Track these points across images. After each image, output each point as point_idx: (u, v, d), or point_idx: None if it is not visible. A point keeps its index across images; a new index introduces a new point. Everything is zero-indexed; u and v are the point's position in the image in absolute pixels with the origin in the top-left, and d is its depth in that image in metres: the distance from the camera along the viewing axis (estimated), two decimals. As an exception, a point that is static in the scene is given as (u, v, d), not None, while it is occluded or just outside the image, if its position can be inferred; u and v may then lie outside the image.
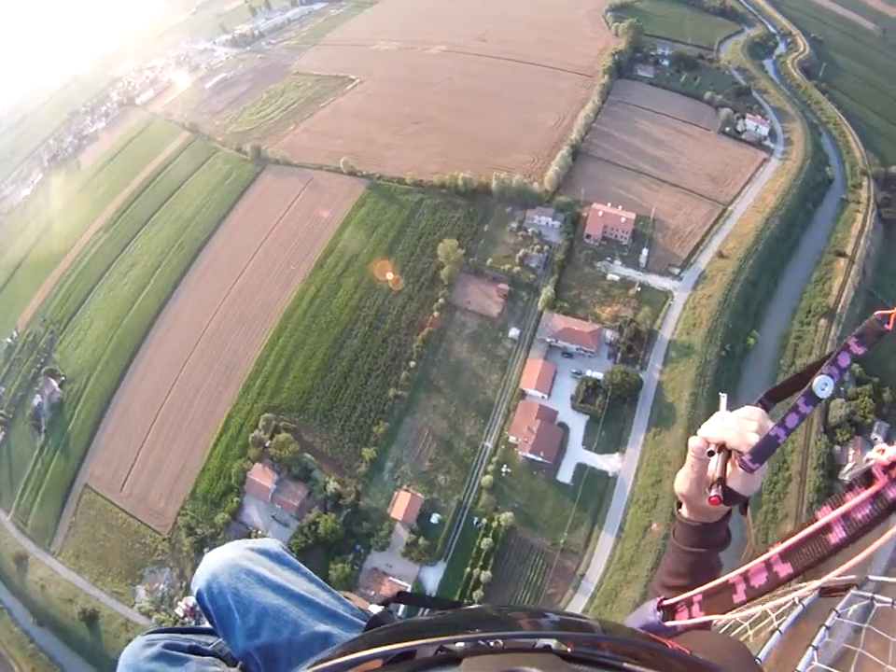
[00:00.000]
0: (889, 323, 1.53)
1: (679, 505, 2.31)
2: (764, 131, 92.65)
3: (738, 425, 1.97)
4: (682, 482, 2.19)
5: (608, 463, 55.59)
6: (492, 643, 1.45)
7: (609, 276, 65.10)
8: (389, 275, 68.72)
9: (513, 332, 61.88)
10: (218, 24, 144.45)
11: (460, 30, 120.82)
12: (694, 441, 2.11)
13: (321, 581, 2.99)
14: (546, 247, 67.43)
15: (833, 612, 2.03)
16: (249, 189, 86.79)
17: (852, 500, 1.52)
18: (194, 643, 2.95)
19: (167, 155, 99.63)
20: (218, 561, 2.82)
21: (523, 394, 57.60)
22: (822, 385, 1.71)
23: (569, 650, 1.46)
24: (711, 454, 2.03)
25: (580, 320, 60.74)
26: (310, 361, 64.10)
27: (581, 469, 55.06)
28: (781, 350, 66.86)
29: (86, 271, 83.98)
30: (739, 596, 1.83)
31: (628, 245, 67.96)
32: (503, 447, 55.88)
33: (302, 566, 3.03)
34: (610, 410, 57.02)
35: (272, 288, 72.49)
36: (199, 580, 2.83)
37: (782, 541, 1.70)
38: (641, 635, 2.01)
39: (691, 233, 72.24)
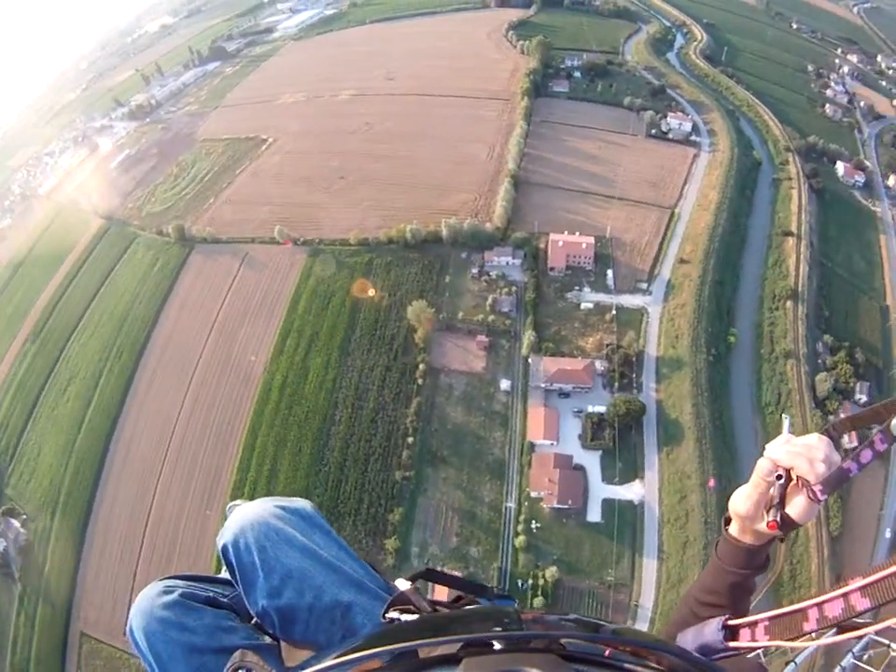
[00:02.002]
0: None
1: (727, 522, 2.44)
2: (688, 126, 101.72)
3: (808, 452, 2.06)
4: (742, 501, 2.28)
5: (631, 492, 59.69)
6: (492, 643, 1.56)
7: (583, 305, 69.81)
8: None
9: (504, 384, 64.72)
10: (112, 98, 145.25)
11: (365, 71, 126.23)
12: (763, 463, 2.18)
13: (350, 549, 3.15)
14: (513, 288, 71.35)
15: (850, 654, 2.30)
16: (181, 275, 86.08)
17: None
18: (211, 594, 3.09)
19: (83, 247, 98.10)
20: (248, 516, 2.95)
21: (532, 446, 60.46)
22: None
23: (570, 650, 1.59)
24: (780, 478, 2.11)
25: (569, 358, 64.90)
26: (298, 458, 64.32)
27: (607, 504, 58.76)
28: (759, 340, 73.64)
29: (20, 391, 79.60)
30: (811, 624, 1.92)
31: (592, 269, 72.66)
32: (527, 504, 58.67)
33: (333, 531, 3.20)
34: (620, 440, 60.57)
35: (233, 385, 71.40)
36: (226, 533, 2.94)
37: (864, 577, 1.82)
38: (642, 634, 2.34)
39: (648, 245, 78.36)
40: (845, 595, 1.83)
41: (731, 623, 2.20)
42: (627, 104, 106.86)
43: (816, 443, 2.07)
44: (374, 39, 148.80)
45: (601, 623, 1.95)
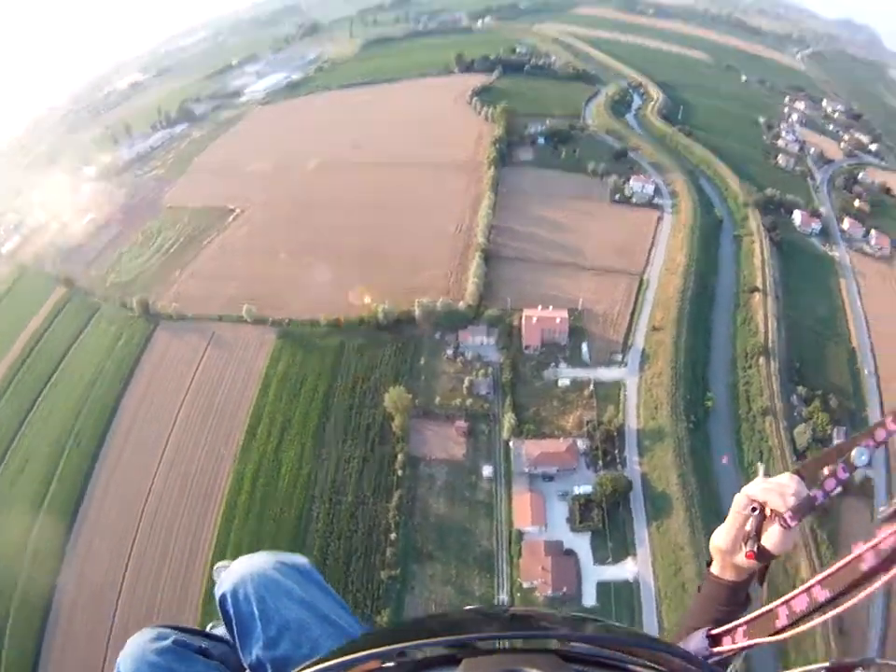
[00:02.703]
0: None
1: (708, 564, 2.69)
2: (651, 189, 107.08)
3: (779, 488, 2.37)
4: (722, 536, 2.56)
5: (625, 571, 60.29)
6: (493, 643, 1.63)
7: (561, 382, 71.70)
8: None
9: (487, 471, 65.43)
10: (79, 156, 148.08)
11: (332, 140, 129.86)
12: (739, 498, 2.48)
13: (346, 605, 3.28)
14: (490, 369, 72.91)
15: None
16: (145, 353, 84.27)
17: (881, 534, 2.05)
18: (203, 645, 3.17)
19: (44, 316, 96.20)
20: (248, 568, 3.07)
21: (520, 534, 61.06)
22: (860, 454, 2.17)
23: (570, 650, 1.68)
24: (754, 510, 2.40)
25: (551, 440, 66.31)
26: (275, 559, 62.65)
27: (602, 587, 59.28)
28: (735, 401, 76.26)
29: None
30: (781, 621, 2.23)
31: (567, 344, 75.11)
32: (519, 595, 59.03)
33: (329, 587, 3.31)
34: (609, 518, 61.89)
35: (201, 478, 68.61)
36: (225, 583, 3.06)
37: (822, 572, 2.15)
38: (642, 634, 2.47)
39: (619, 314, 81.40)
40: (808, 590, 2.18)
41: (713, 632, 2.51)
42: (591, 169, 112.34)
43: (787, 481, 2.39)
44: (340, 106, 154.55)
45: (595, 622, 2.19)
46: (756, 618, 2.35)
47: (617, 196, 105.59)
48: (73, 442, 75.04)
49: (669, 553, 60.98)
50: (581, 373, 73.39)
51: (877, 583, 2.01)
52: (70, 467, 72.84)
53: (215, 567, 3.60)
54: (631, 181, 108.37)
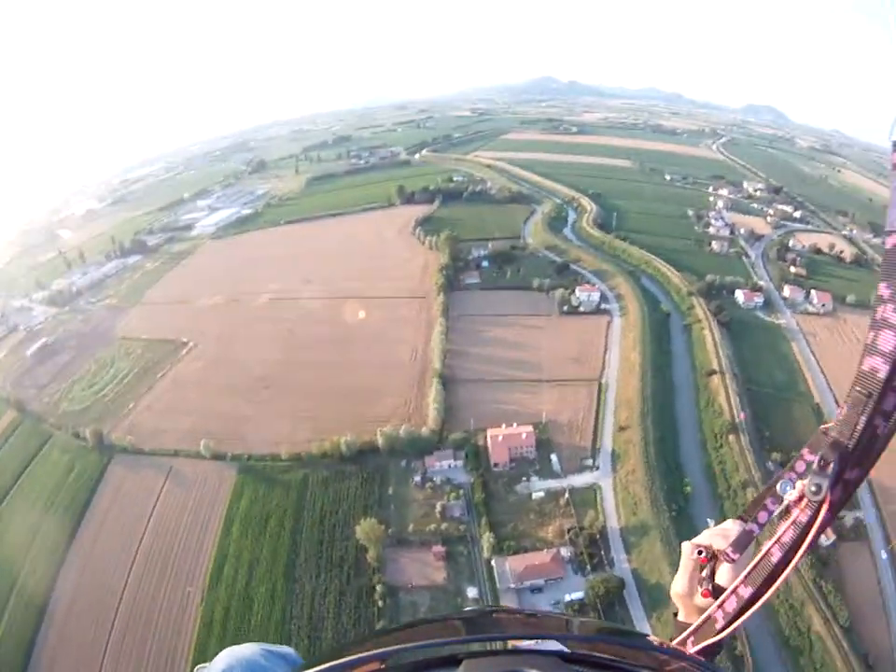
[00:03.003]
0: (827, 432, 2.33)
1: (676, 615, 2.92)
2: (596, 297, 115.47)
3: (721, 531, 2.75)
4: (678, 583, 2.86)
5: None
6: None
7: (535, 495, 73.78)
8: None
9: (472, 592, 65.11)
10: (34, 279, 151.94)
11: (282, 275, 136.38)
12: (685, 546, 2.85)
13: None
14: (461, 492, 74.71)
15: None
16: (100, 487, 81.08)
17: (781, 529, 2.42)
18: None
19: None
20: (236, 655, 3.10)
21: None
22: (784, 486, 2.48)
23: (569, 651, 1.76)
24: (700, 553, 2.74)
25: (534, 553, 66.97)
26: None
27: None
28: (713, 481, 78.72)
29: None
30: (719, 623, 2.59)
31: (536, 457, 78.42)
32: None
33: None
34: (606, 619, 61.19)
35: (165, 622, 63.71)
36: (214, 669, 3.05)
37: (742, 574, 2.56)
38: (641, 635, 2.71)
39: (584, 420, 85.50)
40: (734, 591, 2.57)
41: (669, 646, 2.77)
42: (537, 285, 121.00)
43: (728, 525, 2.78)
44: (290, 241, 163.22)
45: (593, 623, 2.65)
46: (699, 626, 2.73)
47: (565, 308, 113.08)
48: (16, 596, 68.52)
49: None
50: (553, 484, 75.58)
51: (788, 570, 2.48)
52: (14, 623, 65.96)
53: (196, 668, 3.36)
54: (576, 292, 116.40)
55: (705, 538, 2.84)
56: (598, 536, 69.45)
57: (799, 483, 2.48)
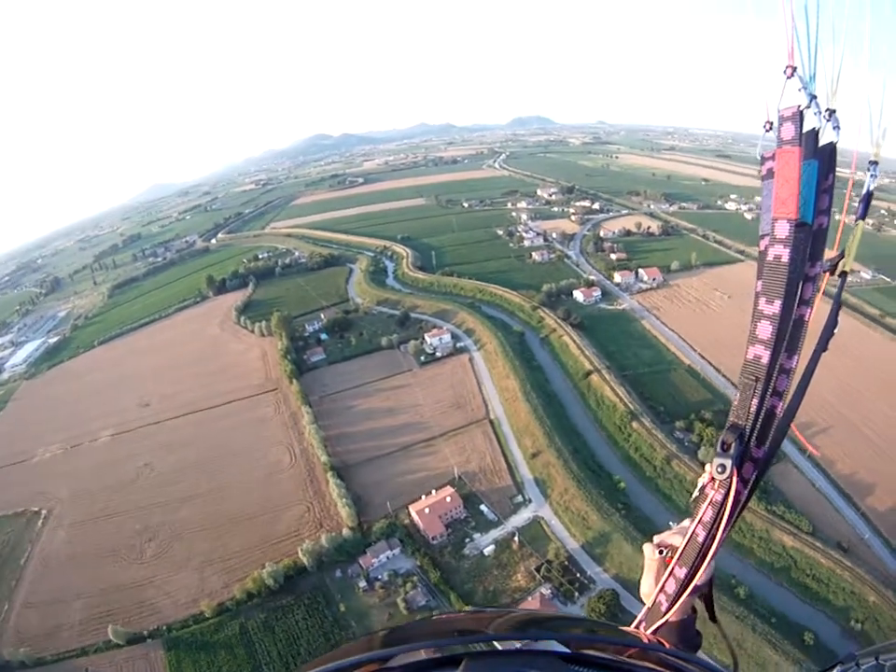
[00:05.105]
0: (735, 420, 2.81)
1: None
2: (448, 338, 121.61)
3: (679, 530, 3.12)
4: (644, 583, 3.23)
5: None
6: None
7: (486, 551, 75.06)
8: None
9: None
10: None
11: (116, 403, 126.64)
12: (646, 547, 3.25)
13: None
14: (414, 578, 73.29)
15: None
16: None
17: (700, 510, 2.84)
18: None
19: None
20: None
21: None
22: (718, 468, 2.83)
23: (569, 651, 1.88)
24: (661, 552, 3.15)
25: (520, 605, 67.20)
26: None
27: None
28: (638, 469, 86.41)
29: None
30: (664, 606, 3.03)
31: (468, 515, 79.67)
32: None
33: None
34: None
35: None
36: None
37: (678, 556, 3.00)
38: (639, 636, 2.94)
39: (494, 461, 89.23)
40: (671, 574, 3.02)
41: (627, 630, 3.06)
42: (385, 344, 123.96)
43: (686, 524, 3.12)
44: (110, 362, 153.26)
45: (592, 623, 3.04)
46: (647, 611, 3.17)
47: (423, 358, 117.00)
48: None
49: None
50: (497, 533, 77.47)
51: (715, 546, 2.90)
52: None
53: None
54: (427, 339, 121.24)
55: (664, 537, 3.29)
56: (567, 562, 72.20)
57: (708, 466, 2.96)
